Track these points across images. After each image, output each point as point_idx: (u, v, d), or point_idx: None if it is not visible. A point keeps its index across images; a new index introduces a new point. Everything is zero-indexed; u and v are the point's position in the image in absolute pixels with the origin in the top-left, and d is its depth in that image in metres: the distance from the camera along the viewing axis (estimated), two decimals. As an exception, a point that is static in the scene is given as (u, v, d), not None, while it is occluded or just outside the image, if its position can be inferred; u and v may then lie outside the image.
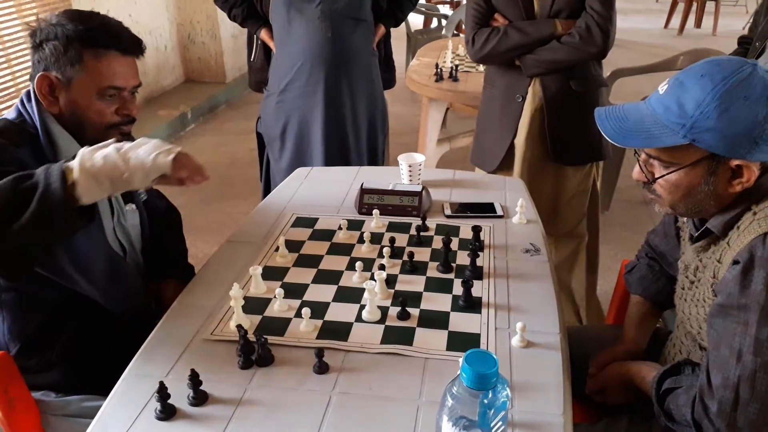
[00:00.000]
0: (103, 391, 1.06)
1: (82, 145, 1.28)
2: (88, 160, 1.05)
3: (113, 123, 1.33)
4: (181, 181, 1.13)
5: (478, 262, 1.36)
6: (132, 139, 1.30)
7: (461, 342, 1.15)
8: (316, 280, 1.35)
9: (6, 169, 1.09)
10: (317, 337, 1.16)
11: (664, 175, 1.07)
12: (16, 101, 1.35)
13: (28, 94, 1.32)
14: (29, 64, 1.36)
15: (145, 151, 1.08)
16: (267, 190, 2.60)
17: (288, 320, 1.21)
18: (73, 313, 1.35)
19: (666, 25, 8.44)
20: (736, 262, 1.00)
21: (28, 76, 1.57)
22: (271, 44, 2.42)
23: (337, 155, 2.40)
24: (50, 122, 1.30)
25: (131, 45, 1.33)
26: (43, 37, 1.27)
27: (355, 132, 2.44)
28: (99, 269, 1.34)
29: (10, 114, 1.33)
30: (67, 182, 1.02)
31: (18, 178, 1.04)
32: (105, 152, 1.07)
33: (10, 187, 1.03)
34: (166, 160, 1.08)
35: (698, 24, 8.37)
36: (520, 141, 2.13)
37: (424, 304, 1.26)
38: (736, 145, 0.98)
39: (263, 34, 2.44)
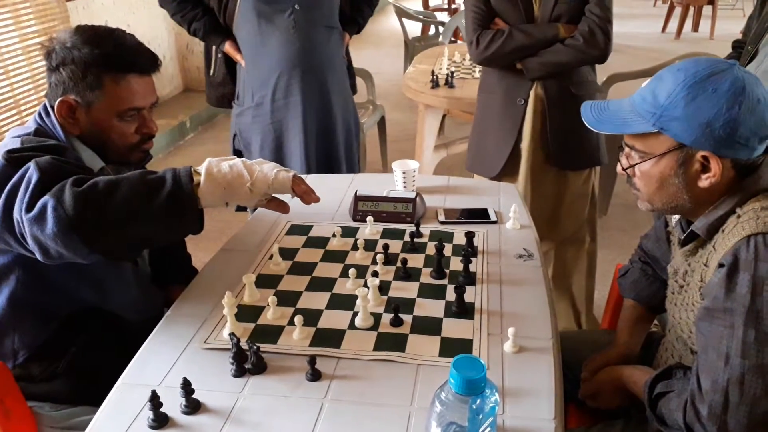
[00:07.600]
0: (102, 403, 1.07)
1: (105, 162, 1.32)
2: (215, 166, 1.14)
3: (134, 143, 1.35)
4: (284, 208, 1.23)
5: (471, 267, 1.37)
6: (151, 157, 1.41)
7: (454, 348, 1.15)
8: (309, 288, 1.36)
9: (73, 168, 1.13)
10: (310, 345, 1.17)
11: (638, 163, 1.11)
12: (14, 112, 1.35)
13: (45, 108, 1.31)
14: (26, 76, 1.36)
15: (269, 167, 1.18)
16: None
17: (281, 328, 1.22)
18: (84, 326, 1.36)
19: (663, 29, 8.47)
20: (721, 266, 1.01)
21: (25, 88, 1.58)
22: (237, 57, 2.35)
23: (314, 165, 2.38)
24: (73, 140, 1.31)
25: (149, 64, 1.34)
26: (59, 61, 1.26)
27: (332, 141, 2.42)
28: (124, 282, 1.41)
29: (27, 128, 1.31)
30: (193, 181, 1.11)
31: (145, 172, 1.12)
32: (232, 162, 1.16)
33: (138, 178, 1.09)
34: (287, 176, 1.18)
35: (695, 28, 8.41)
36: (525, 145, 2.13)
37: (417, 311, 1.26)
38: (700, 135, 1.02)
39: (228, 47, 2.36)
